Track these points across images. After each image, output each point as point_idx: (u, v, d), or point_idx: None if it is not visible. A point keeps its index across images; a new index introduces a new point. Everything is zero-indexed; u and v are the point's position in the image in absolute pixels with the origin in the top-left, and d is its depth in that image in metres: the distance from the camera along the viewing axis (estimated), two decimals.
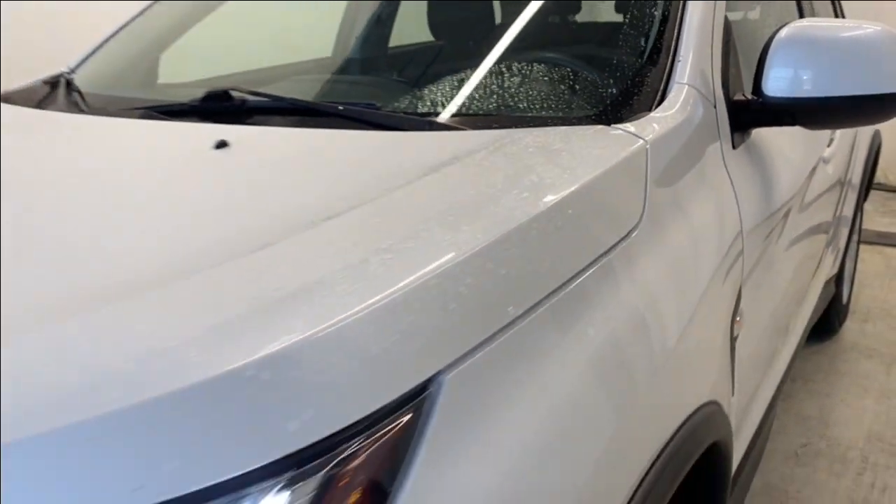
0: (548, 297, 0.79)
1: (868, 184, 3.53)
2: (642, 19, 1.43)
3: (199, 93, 1.44)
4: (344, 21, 2.75)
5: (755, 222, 1.36)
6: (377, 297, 0.66)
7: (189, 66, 2.19)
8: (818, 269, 2.32)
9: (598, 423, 0.81)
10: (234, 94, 1.36)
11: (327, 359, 0.60)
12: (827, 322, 3.20)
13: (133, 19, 2.17)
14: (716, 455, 1.12)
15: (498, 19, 2.10)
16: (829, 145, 2.10)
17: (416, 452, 0.62)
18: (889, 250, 4.52)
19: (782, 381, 2.02)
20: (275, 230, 0.78)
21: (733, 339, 1.26)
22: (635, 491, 0.85)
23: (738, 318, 1.27)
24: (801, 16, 2.21)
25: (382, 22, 2.64)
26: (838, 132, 2.20)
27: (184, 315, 0.62)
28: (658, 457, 0.91)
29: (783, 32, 1.36)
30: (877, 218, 5.16)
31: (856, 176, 2.83)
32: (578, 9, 2.13)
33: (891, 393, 2.85)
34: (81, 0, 3.52)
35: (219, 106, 1.35)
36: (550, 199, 0.86)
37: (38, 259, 0.77)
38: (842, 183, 2.55)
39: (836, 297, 3.11)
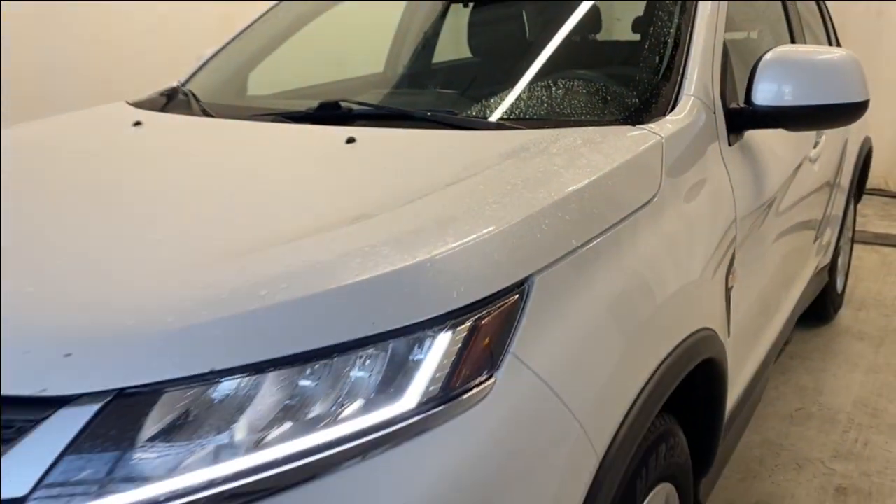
0: (595, 236, 1.19)
1: (860, 187, 3.90)
2: (658, 44, 1.83)
3: (297, 103, 1.85)
4: (394, 43, 3.14)
5: (747, 199, 1.75)
6: (493, 228, 1.05)
7: (271, 81, 2.61)
8: (807, 253, 2.70)
9: (627, 322, 1.20)
10: (343, 103, 1.76)
11: (469, 259, 1.00)
12: (823, 309, 3.57)
13: (228, 44, 2.59)
14: (712, 368, 1.51)
15: (534, 36, 2.50)
16: (815, 147, 2.48)
17: (520, 319, 1.02)
18: (885, 249, 4.88)
19: (774, 346, 2.39)
20: (416, 191, 1.18)
21: (728, 289, 1.65)
22: (651, 376, 1.24)
23: (731, 274, 1.65)
24: (791, 30, 2.60)
25: (428, 42, 3.02)
26: (823, 137, 2.58)
27: (380, 234, 1.02)
28: (667, 357, 1.29)
29: (769, 55, 1.76)
30: (876, 221, 5.51)
31: (845, 178, 3.20)
32: (599, 28, 2.52)
33: (878, 368, 3.22)
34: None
35: (331, 113, 1.75)
36: (597, 173, 1.26)
37: (280, 209, 1.18)
38: (830, 183, 2.93)
39: (830, 285, 3.48)
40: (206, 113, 1.99)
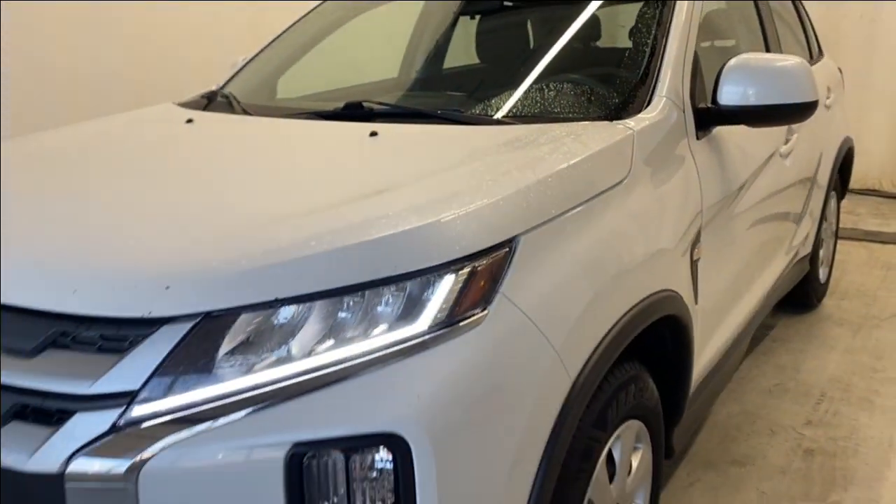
0: (572, 208, 1.48)
1: (843, 185, 4.16)
2: (637, 52, 2.12)
3: (329, 104, 2.16)
4: (407, 51, 3.43)
5: (712, 185, 2.03)
6: (488, 199, 1.35)
7: (296, 87, 2.91)
8: (783, 241, 2.97)
9: (596, 276, 1.48)
10: (365, 104, 2.06)
11: (469, 221, 1.29)
12: (806, 297, 3.84)
13: (259, 53, 2.90)
14: (677, 325, 1.80)
15: (531, 44, 2.79)
16: (786, 143, 2.76)
17: (509, 267, 1.31)
18: (874, 245, 5.12)
19: (749, 321, 2.66)
20: (428, 172, 1.47)
21: (694, 262, 1.93)
22: (618, 321, 1.53)
23: (697, 248, 1.94)
24: (766, 38, 2.89)
25: (439, 50, 3.30)
26: (795, 135, 2.86)
27: (400, 202, 1.32)
28: (633, 308, 1.58)
29: (732, 62, 2.04)
30: (868, 219, 5.76)
31: (822, 175, 3.47)
32: (598, 37, 2.80)
33: (853, 350, 3.48)
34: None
35: (355, 112, 2.04)
36: (577, 157, 1.55)
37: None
38: (807, 179, 3.20)
39: (813, 275, 3.74)
40: (245, 112, 2.29)
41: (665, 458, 2.06)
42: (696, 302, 1.98)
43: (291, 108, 2.34)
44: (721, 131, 2.17)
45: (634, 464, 1.79)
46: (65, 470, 1.13)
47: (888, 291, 4.22)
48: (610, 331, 1.49)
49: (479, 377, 1.22)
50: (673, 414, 2.01)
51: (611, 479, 1.67)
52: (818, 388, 3.13)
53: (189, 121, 2.13)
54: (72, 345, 1.21)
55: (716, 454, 2.67)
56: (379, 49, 3.50)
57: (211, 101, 2.49)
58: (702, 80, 2.15)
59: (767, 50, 2.88)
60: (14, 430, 1.19)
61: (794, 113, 2.03)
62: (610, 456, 1.66)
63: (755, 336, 3.62)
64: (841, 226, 5.50)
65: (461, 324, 1.23)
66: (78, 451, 1.13)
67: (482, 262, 1.28)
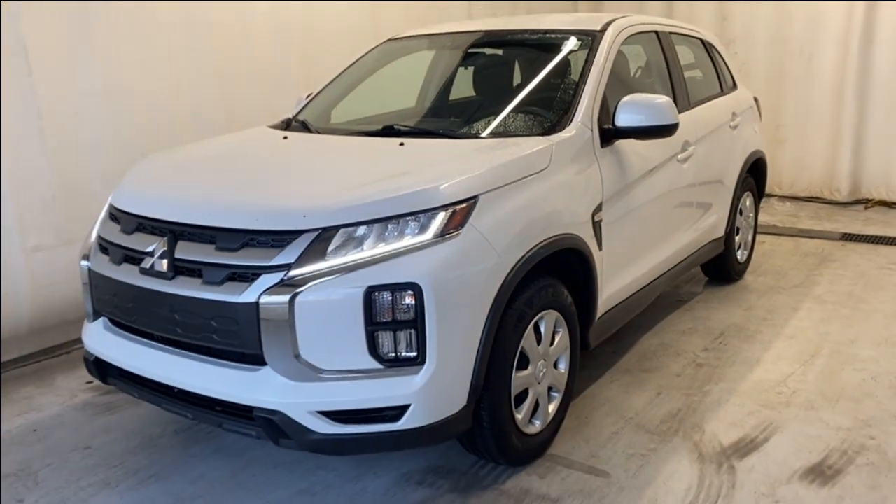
0: (514, 181, 2.72)
1: (759, 188, 5.33)
2: (565, 92, 3.37)
3: (371, 126, 3.42)
4: (422, 88, 4.68)
5: (611, 176, 3.26)
6: (465, 176, 2.59)
7: (343, 115, 4.16)
8: (687, 221, 4.17)
9: (524, 218, 2.70)
10: (395, 126, 3.32)
11: (454, 186, 2.53)
12: (727, 273, 5.03)
13: (319, 92, 4.17)
14: (581, 257, 3.03)
15: (502, 86, 4.04)
16: (682, 151, 3.97)
17: (473, 210, 2.54)
18: (802, 239, 6.29)
19: (659, 271, 3.86)
20: (433, 163, 2.72)
21: (596, 221, 3.15)
22: (538, 243, 2.75)
23: (598, 213, 3.16)
24: (671, 77, 4.13)
25: (446, 87, 4.54)
26: (692, 146, 4.08)
27: (418, 177, 2.56)
28: (546, 239, 2.81)
29: (625, 98, 3.28)
30: (805, 220, 6.93)
31: (729, 178, 4.68)
32: (544, 81, 4.00)
33: (754, 308, 4.67)
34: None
35: (388, 130, 3.30)
36: (516, 155, 2.80)
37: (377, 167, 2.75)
38: (713, 181, 4.41)
39: (731, 255, 4.93)
40: (318, 131, 3.57)
41: (583, 349, 3.27)
42: (599, 248, 3.20)
43: (347, 129, 3.61)
44: (621, 143, 3.40)
45: (556, 340, 3.01)
46: (259, 301, 2.37)
47: (797, 271, 5.40)
48: (531, 249, 2.71)
49: (457, 261, 2.46)
50: (586, 318, 3.22)
51: (539, 344, 2.89)
52: (719, 330, 4.33)
53: (285, 137, 3.41)
54: (256, 245, 2.46)
55: (632, 366, 3.87)
56: (398, 89, 4.77)
57: (289, 126, 3.77)
58: (608, 108, 3.39)
59: (672, 87, 4.12)
60: (229, 285, 2.44)
61: (662, 131, 3.26)
62: (539, 330, 2.88)
63: (683, 298, 4.84)
64: (780, 225, 6.73)
65: (448, 236, 2.47)
66: (264, 291, 2.38)
67: (459, 206, 2.52)
